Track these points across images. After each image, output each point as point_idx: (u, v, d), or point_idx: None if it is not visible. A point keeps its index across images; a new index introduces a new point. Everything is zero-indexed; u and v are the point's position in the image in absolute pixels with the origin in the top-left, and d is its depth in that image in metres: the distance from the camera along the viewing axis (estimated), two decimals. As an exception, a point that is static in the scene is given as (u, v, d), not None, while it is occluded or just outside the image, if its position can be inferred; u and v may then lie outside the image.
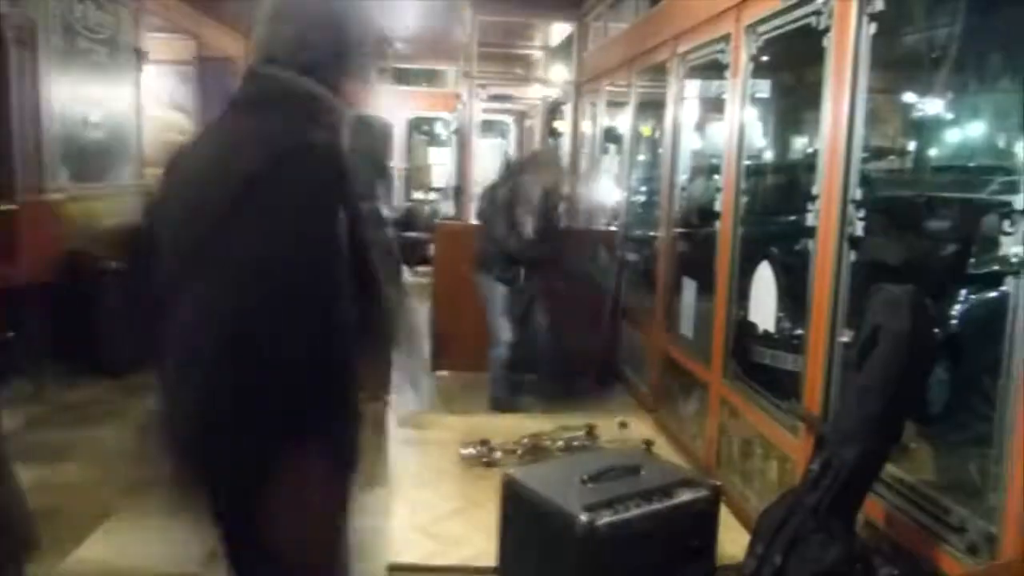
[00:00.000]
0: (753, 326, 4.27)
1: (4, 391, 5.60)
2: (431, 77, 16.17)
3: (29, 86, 6.25)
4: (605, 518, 2.76)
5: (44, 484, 4.28)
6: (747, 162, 4.58)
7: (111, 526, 3.84)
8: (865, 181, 3.32)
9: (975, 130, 10.32)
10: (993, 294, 5.71)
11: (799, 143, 11.61)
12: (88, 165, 7.06)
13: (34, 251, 5.49)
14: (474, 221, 7.10)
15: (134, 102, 7.93)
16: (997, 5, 6.28)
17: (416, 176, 16.15)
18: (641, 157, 8.16)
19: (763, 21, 4.11)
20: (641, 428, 5.45)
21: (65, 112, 6.67)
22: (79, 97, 6.91)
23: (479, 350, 6.02)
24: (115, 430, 5.19)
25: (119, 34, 7.56)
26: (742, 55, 4.32)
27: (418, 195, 15.36)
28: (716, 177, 5.37)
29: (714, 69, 4.90)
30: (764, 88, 10.22)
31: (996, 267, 5.77)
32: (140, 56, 7.94)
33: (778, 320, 4.20)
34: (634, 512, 2.85)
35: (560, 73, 10.00)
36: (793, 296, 3.81)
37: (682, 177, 6.18)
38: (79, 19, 6.86)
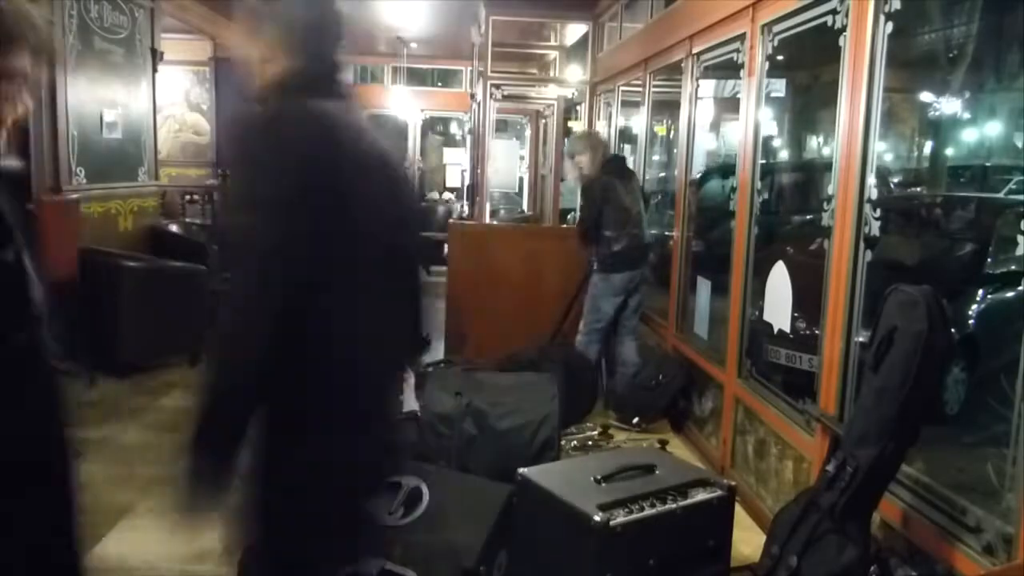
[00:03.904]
0: (768, 326, 4.26)
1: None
2: (445, 77, 16.19)
3: (46, 86, 6.29)
4: (619, 518, 2.75)
5: (61, 482, 4.31)
6: (762, 161, 4.56)
7: (129, 523, 3.86)
8: (881, 180, 3.32)
9: (992, 129, 10.29)
10: (1010, 294, 5.71)
11: (814, 142, 11.60)
12: (104, 165, 7.11)
13: (51, 251, 5.51)
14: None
15: (150, 102, 7.97)
16: (1014, 4, 6.25)
17: (431, 176, 16.19)
18: (656, 157, 8.15)
19: (779, 20, 4.09)
20: (657, 429, 5.45)
21: (81, 112, 6.71)
22: (95, 97, 6.95)
23: (492, 349, 6.01)
24: (132, 428, 5.21)
25: (135, 34, 7.60)
26: (757, 54, 4.31)
27: (432, 195, 15.39)
28: (731, 176, 5.36)
29: (729, 69, 4.89)
30: (779, 87, 10.22)
31: (1013, 267, 5.77)
32: (156, 56, 7.97)
33: (793, 320, 4.18)
34: (648, 512, 2.84)
35: (575, 73, 9.98)
36: (808, 296, 3.80)
37: (697, 176, 6.17)
38: (95, 19, 6.90)
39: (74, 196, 6.19)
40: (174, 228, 8.33)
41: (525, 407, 3.97)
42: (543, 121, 12.49)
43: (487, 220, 9.51)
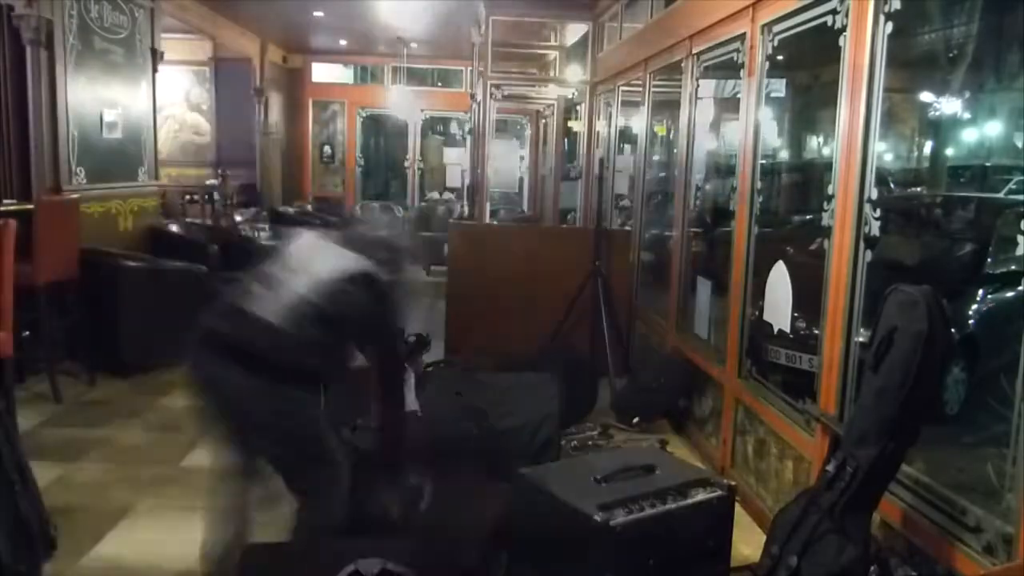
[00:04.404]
0: (768, 326, 4.25)
1: (21, 390, 5.63)
2: (446, 77, 16.19)
3: (46, 86, 6.29)
4: (619, 518, 2.75)
5: (62, 482, 4.31)
6: (762, 161, 4.55)
7: (129, 524, 3.86)
8: (881, 180, 3.31)
9: (992, 129, 10.29)
10: (1010, 294, 5.71)
11: (814, 142, 11.60)
12: (104, 165, 7.11)
13: (51, 250, 5.52)
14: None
15: (150, 102, 7.97)
16: (1014, 4, 6.25)
17: (431, 176, 16.20)
18: (656, 157, 8.15)
19: (779, 20, 4.09)
20: (656, 429, 5.45)
21: (81, 112, 6.71)
22: (95, 97, 6.95)
23: (492, 349, 6.01)
24: (132, 428, 5.21)
25: (135, 34, 7.60)
26: (757, 54, 4.31)
27: (433, 195, 15.40)
28: (731, 177, 5.35)
29: (729, 69, 4.88)
30: (779, 87, 10.21)
31: (1013, 267, 5.77)
32: (156, 56, 7.97)
33: (793, 320, 4.18)
34: (648, 512, 2.84)
35: (575, 73, 9.98)
36: (808, 296, 3.80)
37: (697, 177, 6.15)
38: (95, 19, 6.90)
39: (74, 196, 6.19)
40: (174, 228, 8.34)
41: (525, 407, 3.97)
42: (543, 121, 12.50)
43: (487, 220, 9.51)
